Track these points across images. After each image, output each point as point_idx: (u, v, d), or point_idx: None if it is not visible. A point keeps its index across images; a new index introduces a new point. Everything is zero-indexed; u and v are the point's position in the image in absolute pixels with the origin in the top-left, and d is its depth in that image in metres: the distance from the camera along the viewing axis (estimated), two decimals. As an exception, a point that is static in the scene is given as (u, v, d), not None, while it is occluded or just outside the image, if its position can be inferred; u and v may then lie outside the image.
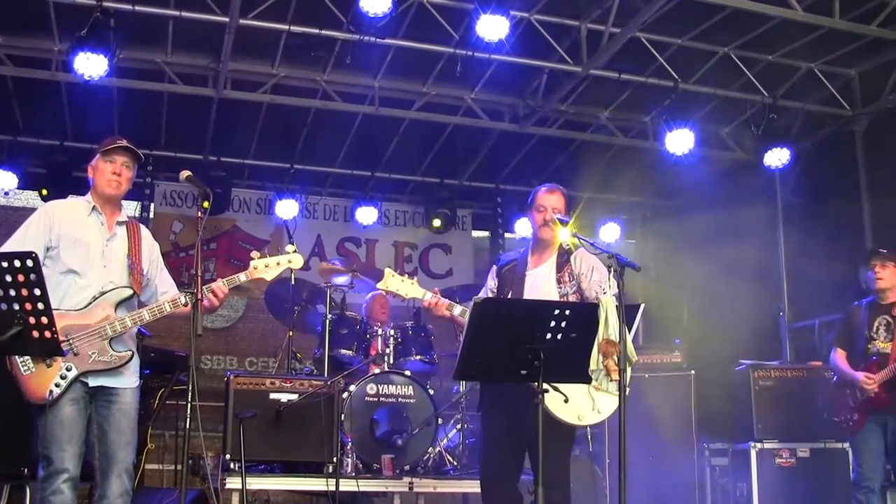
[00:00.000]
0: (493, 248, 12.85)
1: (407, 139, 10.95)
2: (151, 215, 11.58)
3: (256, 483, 6.63)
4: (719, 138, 10.78)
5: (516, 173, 12.04)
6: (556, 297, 5.11)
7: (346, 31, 8.46)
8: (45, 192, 10.27)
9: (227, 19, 8.09)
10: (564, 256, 5.25)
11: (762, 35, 8.77)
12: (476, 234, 13.12)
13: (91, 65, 7.82)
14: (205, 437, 4.63)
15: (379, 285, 5.24)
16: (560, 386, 4.55)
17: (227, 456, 6.43)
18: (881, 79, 9.29)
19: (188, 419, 4.43)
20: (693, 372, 7.92)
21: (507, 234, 12.77)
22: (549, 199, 5.32)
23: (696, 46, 9.10)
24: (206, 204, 4.70)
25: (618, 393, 4.76)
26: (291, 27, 8.44)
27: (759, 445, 7.57)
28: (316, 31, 8.49)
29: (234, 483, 6.32)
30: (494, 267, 5.57)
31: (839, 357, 6.77)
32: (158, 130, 10.74)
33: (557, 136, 10.74)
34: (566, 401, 4.62)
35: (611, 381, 4.63)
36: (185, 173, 4.79)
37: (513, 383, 4.66)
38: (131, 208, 11.30)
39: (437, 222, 11.99)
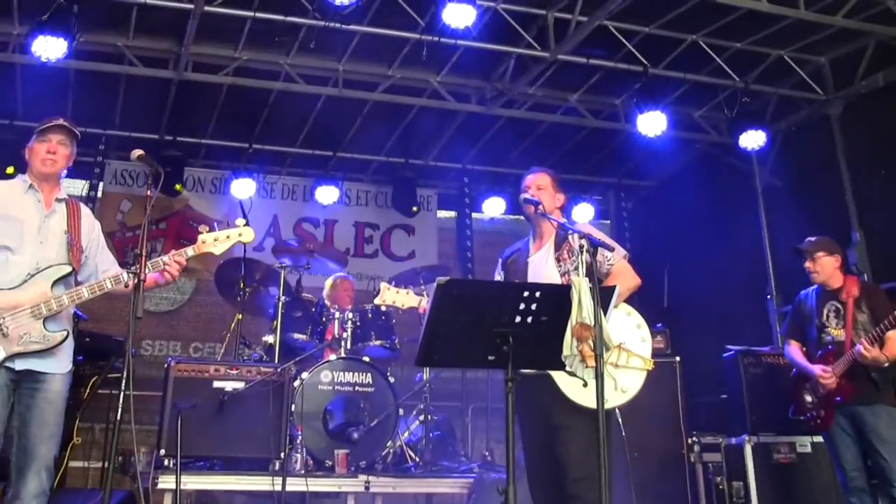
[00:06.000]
0: (459, 228, 12.77)
1: (370, 120, 10.86)
2: (99, 194, 11.37)
3: (193, 482, 6.21)
4: (692, 121, 10.83)
5: (484, 154, 11.97)
6: (556, 277, 5.00)
7: (311, 19, 8.49)
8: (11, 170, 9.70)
9: (192, 6, 8.10)
10: (562, 234, 5.12)
11: (730, 24, 8.84)
12: (441, 214, 12.99)
13: (50, 48, 7.80)
14: (139, 431, 4.36)
15: (376, 301, 5.19)
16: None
17: (162, 452, 6.08)
18: (852, 65, 9.34)
19: (119, 410, 4.19)
20: (678, 358, 7.50)
21: (474, 214, 12.72)
22: (532, 179, 5.32)
23: (664, 34, 9.14)
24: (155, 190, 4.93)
25: (643, 369, 4.76)
26: (256, 14, 8.45)
27: (754, 439, 7.20)
28: (281, 17, 8.53)
29: (167, 482, 6.00)
30: (500, 261, 5.51)
31: (794, 349, 6.50)
32: (113, 110, 10.59)
33: (526, 118, 10.67)
34: (585, 385, 4.47)
35: (586, 367, 4.39)
36: (136, 152, 4.80)
37: (536, 378, 4.54)
38: (79, 187, 11.16)
39: (415, 209, 11.97)
